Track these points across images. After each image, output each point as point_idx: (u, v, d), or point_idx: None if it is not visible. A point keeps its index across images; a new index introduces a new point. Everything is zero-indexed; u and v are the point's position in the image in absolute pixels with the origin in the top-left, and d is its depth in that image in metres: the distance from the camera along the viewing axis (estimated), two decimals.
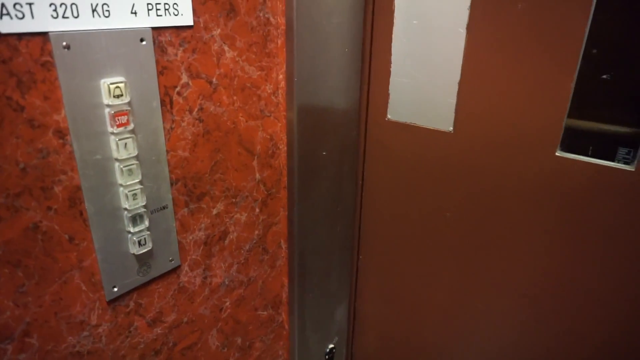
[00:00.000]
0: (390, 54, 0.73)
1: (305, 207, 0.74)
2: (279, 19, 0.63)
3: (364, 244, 0.90)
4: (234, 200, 0.66)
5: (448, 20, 0.66)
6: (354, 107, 0.77)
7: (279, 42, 0.64)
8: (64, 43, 0.41)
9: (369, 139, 0.81)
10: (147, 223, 0.54)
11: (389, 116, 0.77)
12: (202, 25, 0.54)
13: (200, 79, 0.56)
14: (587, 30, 0.56)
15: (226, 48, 0.57)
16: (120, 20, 0.45)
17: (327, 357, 0.95)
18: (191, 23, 0.52)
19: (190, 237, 0.61)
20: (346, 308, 0.95)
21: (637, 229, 0.58)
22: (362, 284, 0.94)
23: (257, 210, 0.71)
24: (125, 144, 0.49)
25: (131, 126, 0.49)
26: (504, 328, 0.75)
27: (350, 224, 0.87)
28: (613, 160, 0.58)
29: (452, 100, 0.69)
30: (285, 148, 0.70)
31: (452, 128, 0.71)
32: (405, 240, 0.83)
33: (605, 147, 0.59)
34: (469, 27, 0.64)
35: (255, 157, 0.67)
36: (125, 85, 0.47)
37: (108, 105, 0.46)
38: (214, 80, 0.57)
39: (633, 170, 0.57)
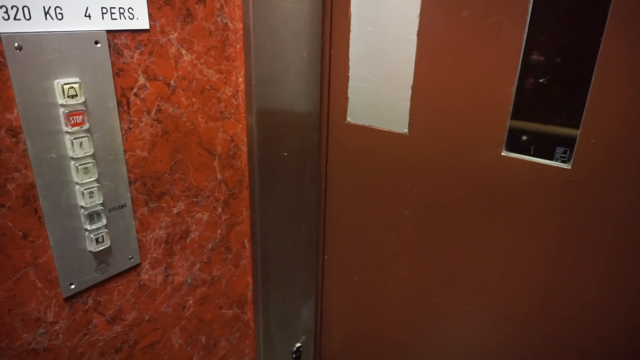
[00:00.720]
0: (348, 59, 0.76)
1: (267, 207, 0.76)
2: (237, 24, 0.65)
3: (329, 243, 0.92)
4: (195, 199, 0.68)
5: (400, 26, 0.69)
6: (314, 110, 0.80)
7: (238, 46, 0.66)
8: (16, 44, 0.43)
9: (330, 141, 0.84)
10: (104, 221, 0.55)
11: (348, 119, 0.80)
12: (158, 29, 0.55)
13: (157, 81, 0.57)
14: (524, 37, 0.60)
15: (184, 51, 0.59)
16: (73, 22, 0.47)
17: (294, 356, 0.96)
18: (147, 27, 0.54)
19: (151, 236, 0.63)
20: (312, 307, 0.97)
21: (573, 222, 0.62)
22: (328, 283, 0.96)
23: (220, 209, 0.72)
24: (81, 142, 0.50)
25: (86, 125, 0.50)
26: (460, 321, 0.79)
27: (314, 223, 0.89)
28: (552, 159, 0.62)
29: (406, 104, 0.72)
30: (247, 149, 0.72)
31: (407, 130, 0.74)
32: (368, 238, 0.86)
33: (544, 146, 0.63)
34: (419, 34, 0.68)
35: (216, 158, 0.69)
36: (80, 85, 0.48)
37: (62, 105, 0.48)
38: (172, 82, 0.59)
39: (569, 168, 0.60)
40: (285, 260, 0.85)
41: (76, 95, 0.48)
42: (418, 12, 0.67)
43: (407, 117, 0.73)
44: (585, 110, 0.58)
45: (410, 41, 0.69)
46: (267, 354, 0.90)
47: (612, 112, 0.55)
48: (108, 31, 0.50)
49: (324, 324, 1.01)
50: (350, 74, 0.77)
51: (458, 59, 0.65)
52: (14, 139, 0.45)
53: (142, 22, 0.53)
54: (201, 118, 0.65)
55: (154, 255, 0.64)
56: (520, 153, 0.64)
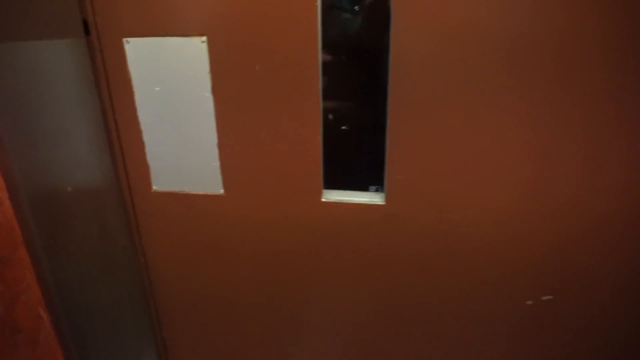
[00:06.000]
0: (138, 122, 0.65)
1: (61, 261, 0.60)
2: None
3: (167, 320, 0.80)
4: None
5: (191, 85, 0.62)
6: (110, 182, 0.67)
7: None
8: None
9: (139, 213, 0.72)
10: None
11: (154, 187, 0.69)
12: None
13: None
14: (320, 87, 0.59)
15: None
16: None
17: None
18: None
19: None
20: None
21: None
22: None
23: None
24: None
25: None
26: None
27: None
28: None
29: (216, 163, 0.66)
30: (7, 194, 0.55)
31: (222, 190, 0.68)
32: (206, 299, 0.77)
33: (359, 184, 0.65)
34: (214, 90, 0.62)
35: None
36: None
37: None
38: None
39: (383, 203, 0.63)
40: (104, 314, 0.69)
41: None
42: (208, 68, 0.60)
43: (220, 177, 0.67)
44: None
45: (206, 99, 0.62)
46: None
47: None
48: None
49: None
50: (145, 138, 0.66)
51: (261, 113, 0.61)
52: None
53: None
54: None
55: None
56: (338, 194, 0.65)
